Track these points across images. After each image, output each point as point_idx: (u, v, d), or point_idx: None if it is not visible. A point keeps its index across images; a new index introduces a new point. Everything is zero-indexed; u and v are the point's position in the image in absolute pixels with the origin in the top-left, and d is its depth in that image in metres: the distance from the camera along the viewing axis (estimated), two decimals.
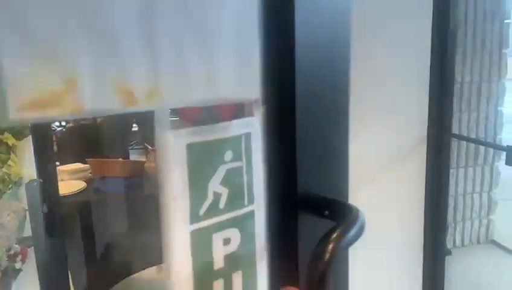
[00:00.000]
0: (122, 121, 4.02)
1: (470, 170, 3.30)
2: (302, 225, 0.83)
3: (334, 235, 0.69)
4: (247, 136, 0.64)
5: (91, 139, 2.84)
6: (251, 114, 0.64)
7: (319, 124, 0.89)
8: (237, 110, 0.65)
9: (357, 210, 0.78)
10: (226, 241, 0.63)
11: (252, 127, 0.64)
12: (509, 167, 2.19)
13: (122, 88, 0.51)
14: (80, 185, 2.36)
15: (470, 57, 3.29)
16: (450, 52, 2.22)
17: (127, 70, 0.51)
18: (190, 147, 0.57)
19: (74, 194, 2.28)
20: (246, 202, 0.65)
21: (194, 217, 0.59)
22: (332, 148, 0.97)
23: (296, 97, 0.80)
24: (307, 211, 0.83)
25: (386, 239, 2.29)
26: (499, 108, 3.37)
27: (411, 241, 2.30)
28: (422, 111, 2.22)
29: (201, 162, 0.59)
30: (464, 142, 3.22)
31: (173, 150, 0.56)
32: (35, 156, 1.18)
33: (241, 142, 0.63)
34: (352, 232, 0.72)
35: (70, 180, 2.39)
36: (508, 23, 3.41)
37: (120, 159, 2.78)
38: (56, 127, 3.60)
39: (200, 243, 0.60)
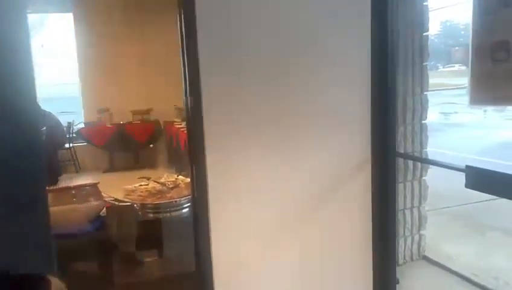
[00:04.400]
0: None
1: (401, 185, 3.21)
2: None
3: None
4: None
5: None
6: None
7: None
8: None
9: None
10: None
11: None
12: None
13: None
14: None
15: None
16: (391, 72, 2.05)
17: None
18: None
19: None
20: None
21: None
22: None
23: None
24: None
25: (336, 266, 2.06)
26: (423, 121, 3.34)
27: (361, 268, 2.09)
28: (364, 131, 2.04)
29: None
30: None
31: None
32: None
33: None
34: None
35: None
36: (427, 35, 3.41)
37: None
38: None
39: None
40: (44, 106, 7.85)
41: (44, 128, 7.02)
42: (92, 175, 7.56)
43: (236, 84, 1.88)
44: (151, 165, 7.75)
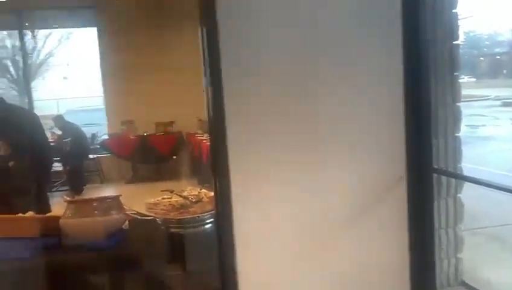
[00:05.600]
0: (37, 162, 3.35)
1: (434, 204, 3.04)
2: None
3: None
4: None
5: None
6: None
7: None
8: None
9: None
10: None
11: None
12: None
13: None
14: None
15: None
16: (425, 80, 1.94)
17: None
18: None
19: None
20: None
21: None
22: None
23: None
24: None
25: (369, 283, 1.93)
26: (456, 134, 3.18)
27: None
28: (398, 145, 1.92)
29: None
30: None
31: None
32: None
33: None
34: None
35: None
36: (458, 44, 3.27)
37: (29, 213, 2.18)
38: None
39: None
40: (70, 118, 7.98)
41: (69, 139, 7.12)
42: (116, 186, 7.60)
43: (261, 94, 1.80)
44: (174, 177, 7.73)
